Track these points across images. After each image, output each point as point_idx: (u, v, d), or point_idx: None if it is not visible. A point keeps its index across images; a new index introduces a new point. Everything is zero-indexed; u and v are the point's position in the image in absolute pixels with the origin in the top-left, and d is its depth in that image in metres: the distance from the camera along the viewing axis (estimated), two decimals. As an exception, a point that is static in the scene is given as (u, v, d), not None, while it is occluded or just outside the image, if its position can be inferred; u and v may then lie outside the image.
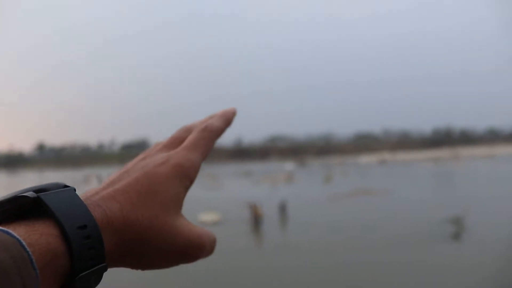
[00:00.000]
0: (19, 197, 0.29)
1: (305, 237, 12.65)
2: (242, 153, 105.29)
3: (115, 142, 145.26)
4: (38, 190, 0.30)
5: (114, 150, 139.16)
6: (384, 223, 13.78)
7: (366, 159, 67.91)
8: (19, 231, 0.27)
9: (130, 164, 0.40)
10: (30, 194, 0.29)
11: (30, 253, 0.26)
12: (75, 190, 0.32)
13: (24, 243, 0.26)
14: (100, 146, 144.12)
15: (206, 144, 0.42)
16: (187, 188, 0.39)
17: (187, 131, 0.43)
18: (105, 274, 0.32)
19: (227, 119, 0.45)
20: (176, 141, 0.42)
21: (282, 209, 16.21)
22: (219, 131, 0.44)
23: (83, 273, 0.29)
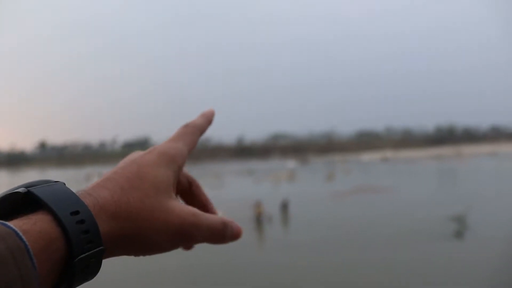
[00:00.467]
0: (10, 194, 0.30)
1: (307, 234, 12.60)
2: (244, 151, 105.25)
3: (117, 141, 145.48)
4: (29, 186, 0.31)
5: (115, 149, 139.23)
6: (387, 221, 13.73)
7: (368, 156, 67.79)
8: (13, 222, 0.28)
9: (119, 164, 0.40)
10: (21, 189, 0.30)
11: (27, 243, 0.26)
12: (64, 184, 0.33)
13: (20, 233, 0.26)
14: (102, 145, 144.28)
15: (189, 137, 0.44)
16: (175, 172, 0.40)
17: None
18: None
19: (207, 118, 0.47)
20: None
21: (284, 207, 16.19)
22: (201, 127, 0.46)
23: (81, 256, 0.30)
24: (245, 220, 14.63)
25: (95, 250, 0.31)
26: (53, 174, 64.56)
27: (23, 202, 0.30)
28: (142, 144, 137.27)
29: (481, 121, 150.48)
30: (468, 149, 72.38)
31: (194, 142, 0.44)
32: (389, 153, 72.99)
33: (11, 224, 0.27)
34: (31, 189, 0.30)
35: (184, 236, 0.37)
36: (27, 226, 0.28)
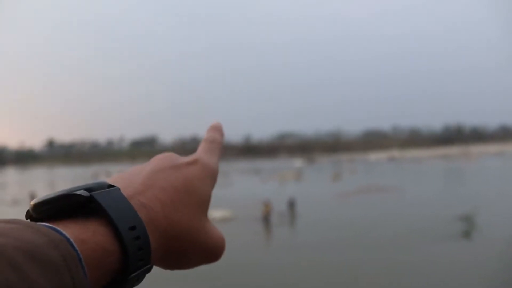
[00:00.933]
0: (72, 195, 0.30)
1: (314, 234, 12.61)
2: (251, 150, 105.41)
3: (124, 139, 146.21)
4: (87, 189, 0.31)
5: (123, 147, 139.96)
6: (393, 221, 13.69)
7: (375, 156, 67.57)
8: (72, 229, 0.28)
9: (151, 162, 0.41)
10: (82, 192, 0.31)
11: (79, 252, 0.26)
12: (119, 189, 0.33)
13: (72, 241, 0.27)
14: (110, 143, 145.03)
15: (218, 153, 0.45)
16: (213, 188, 0.41)
17: None
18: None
19: (222, 133, 0.48)
20: None
21: (291, 206, 16.20)
22: (222, 144, 0.47)
23: (135, 273, 0.31)
24: (253, 219, 14.66)
25: (145, 267, 0.32)
26: (61, 172, 64.98)
27: (81, 205, 0.31)
28: (149, 142, 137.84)
29: (489, 120, 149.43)
30: (476, 149, 72.01)
31: (220, 158, 0.45)
32: (396, 153, 72.76)
33: (67, 228, 0.28)
34: (94, 194, 0.31)
35: (214, 257, 0.39)
36: (85, 235, 0.28)
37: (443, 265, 8.86)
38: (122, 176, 0.39)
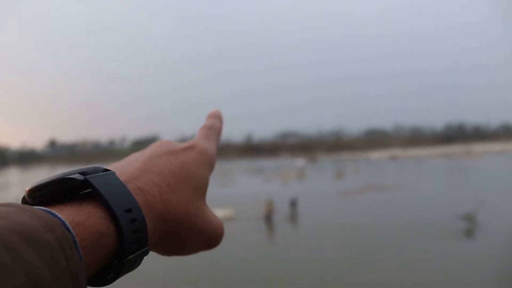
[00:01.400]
0: (67, 179, 0.30)
1: (316, 233, 12.66)
2: (253, 150, 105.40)
3: (126, 139, 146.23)
4: (81, 173, 0.31)
5: (125, 147, 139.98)
6: (395, 219, 13.72)
7: (377, 155, 67.57)
8: (67, 212, 0.28)
9: (148, 149, 0.41)
10: (77, 176, 0.30)
11: (74, 234, 0.26)
12: (115, 173, 0.33)
13: (67, 224, 0.26)
14: (111, 143, 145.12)
15: (216, 139, 0.45)
16: (210, 174, 0.41)
17: None
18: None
19: (221, 120, 0.48)
20: None
21: (293, 205, 16.24)
22: (221, 130, 0.47)
23: (131, 256, 0.30)
24: (255, 218, 14.72)
25: (141, 250, 0.31)
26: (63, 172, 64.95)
27: (76, 188, 0.30)
28: (151, 142, 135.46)
29: (491, 119, 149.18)
30: (478, 147, 71.89)
31: (218, 145, 0.45)
32: (398, 152, 72.70)
33: (62, 211, 0.28)
34: (89, 178, 0.31)
35: (212, 243, 0.39)
36: (81, 218, 0.28)
37: (445, 264, 8.90)
38: (119, 163, 0.40)
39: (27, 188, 0.31)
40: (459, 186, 22.77)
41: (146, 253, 0.32)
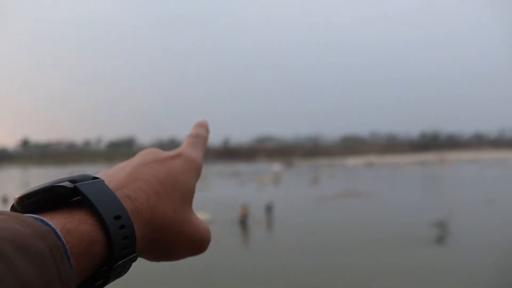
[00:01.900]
0: (56, 187, 0.31)
1: (291, 238, 12.66)
2: (230, 153, 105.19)
3: (102, 140, 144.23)
4: (71, 181, 0.31)
5: (100, 148, 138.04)
6: (370, 225, 13.84)
7: (353, 161, 68.23)
8: (58, 219, 0.28)
9: (135, 157, 0.41)
10: (67, 184, 0.31)
11: (65, 243, 0.26)
12: (104, 182, 0.34)
13: (58, 232, 0.27)
14: (87, 143, 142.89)
15: (202, 147, 0.46)
16: (197, 181, 0.42)
17: None
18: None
19: (208, 130, 0.49)
20: None
21: (269, 210, 16.24)
22: (207, 139, 0.48)
23: (121, 262, 0.31)
24: (230, 222, 14.64)
25: (130, 256, 0.32)
26: (35, 173, 63.70)
27: (66, 196, 0.31)
28: (127, 144, 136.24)
29: (464, 128, 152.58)
30: (451, 156, 73.33)
31: (204, 153, 0.46)
32: (373, 158, 73.58)
33: (53, 219, 0.28)
34: (78, 185, 0.31)
35: (199, 249, 0.40)
36: (71, 225, 0.28)
37: (416, 270, 8.99)
38: (107, 172, 0.40)
39: (17, 196, 0.31)
40: (432, 194, 23.14)
41: (134, 259, 0.33)
